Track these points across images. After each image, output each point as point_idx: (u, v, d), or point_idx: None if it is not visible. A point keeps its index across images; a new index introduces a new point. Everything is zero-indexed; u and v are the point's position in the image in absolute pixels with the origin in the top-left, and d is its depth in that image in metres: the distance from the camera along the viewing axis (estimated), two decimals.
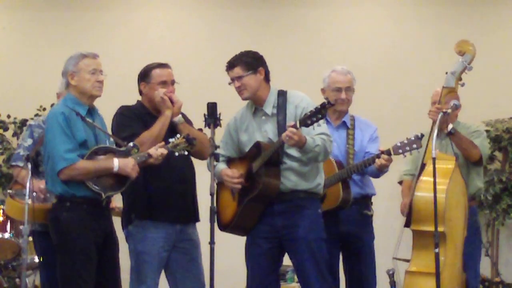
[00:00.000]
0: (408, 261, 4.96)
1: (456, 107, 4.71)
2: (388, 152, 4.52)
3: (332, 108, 4.80)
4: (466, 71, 4.78)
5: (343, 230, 4.75)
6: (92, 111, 4.32)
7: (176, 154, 4.28)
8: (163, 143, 4.30)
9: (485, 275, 6.89)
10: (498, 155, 7.21)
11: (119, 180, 4.23)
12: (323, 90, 4.89)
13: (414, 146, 4.44)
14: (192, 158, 4.61)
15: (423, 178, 4.54)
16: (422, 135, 4.54)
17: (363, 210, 4.83)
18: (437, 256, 4.25)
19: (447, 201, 4.47)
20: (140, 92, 4.66)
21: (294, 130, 4.05)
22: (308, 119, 4.01)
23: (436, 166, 4.33)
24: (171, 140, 4.30)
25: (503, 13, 7.54)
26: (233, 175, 4.42)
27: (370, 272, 4.86)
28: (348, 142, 4.80)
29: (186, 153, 4.32)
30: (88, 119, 4.24)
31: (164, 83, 4.56)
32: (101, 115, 4.42)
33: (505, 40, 7.42)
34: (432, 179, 4.34)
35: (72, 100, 4.25)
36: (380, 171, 4.68)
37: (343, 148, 4.80)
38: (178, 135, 4.33)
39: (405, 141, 4.49)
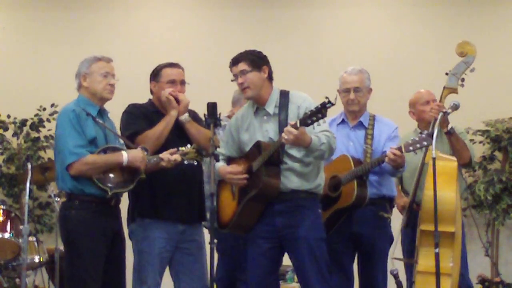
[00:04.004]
0: (408, 261, 4.98)
1: (456, 107, 4.72)
2: (399, 150, 4.43)
3: (346, 108, 4.83)
4: (469, 72, 4.79)
5: (355, 230, 4.68)
6: (102, 113, 4.36)
7: (185, 162, 4.33)
8: (175, 149, 4.34)
9: (485, 275, 6.90)
10: (498, 155, 7.22)
11: (127, 178, 4.25)
12: (338, 91, 4.84)
13: (425, 143, 4.34)
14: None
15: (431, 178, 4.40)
16: (432, 133, 4.47)
17: (379, 211, 4.72)
18: (437, 256, 4.26)
19: (457, 201, 4.49)
20: (151, 91, 4.69)
21: (290, 128, 4.03)
22: (309, 119, 3.99)
23: (439, 165, 4.33)
24: (181, 148, 4.33)
25: (503, 13, 7.54)
26: (236, 170, 4.41)
27: (381, 276, 4.77)
28: (366, 142, 4.74)
29: (195, 163, 4.36)
30: (99, 120, 4.27)
31: (172, 82, 4.58)
32: (111, 120, 4.46)
33: (505, 40, 7.43)
34: (442, 179, 4.34)
35: (84, 101, 4.31)
36: (395, 168, 4.55)
37: (360, 148, 4.75)
38: (189, 145, 4.36)
39: (416, 139, 4.38)
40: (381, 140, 4.76)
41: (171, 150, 4.33)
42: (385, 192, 4.79)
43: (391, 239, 4.84)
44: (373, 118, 4.86)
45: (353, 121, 4.86)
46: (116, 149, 4.27)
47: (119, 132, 4.48)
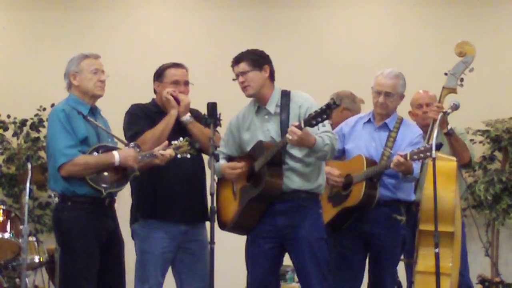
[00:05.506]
0: (408, 261, 4.99)
1: (456, 107, 4.71)
2: (404, 157, 4.40)
3: (374, 109, 4.81)
4: (468, 72, 4.80)
5: (367, 230, 4.64)
6: (94, 111, 4.34)
7: (178, 156, 4.30)
8: (166, 142, 4.31)
9: (485, 275, 6.89)
10: (498, 155, 7.22)
11: (121, 176, 4.23)
12: (372, 88, 4.82)
13: (428, 154, 4.30)
14: (204, 156, 4.63)
15: (432, 178, 4.39)
16: (441, 145, 4.41)
17: (393, 213, 4.64)
18: (437, 256, 4.26)
19: (456, 201, 4.49)
20: (155, 91, 4.68)
21: (294, 128, 4.03)
22: (313, 119, 3.99)
23: (438, 165, 4.33)
24: (174, 142, 4.31)
25: (503, 13, 7.54)
26: (234, 166, 4.40)
27: (389, 277, 4.73)
28: (387, 144, 4.70)
29: (188, 156, 4.33)
30: (90, 118, 4.25)
31: (176, 83, 4.59)
32: (104, 118, 4.44)
33: (505, 40, 7.42)
34: (441, 179, 4.34)
35: (75, 100, 4.28)
36: (403, 174, 4.51)
37: (381, 149, 4.71)
38: (181, 138, 4.34)
39: (422, 148, 4.36)
40: (403, 144, 4.70)
41: (163, 144, 4.30)
42: (400, 196, 4.70)
43: (403, 242, 4.75)
44: (400, 121, 4.79)
45: (379, 122, 4.81)
46: (108, 148, 4.24)
47: (111, 131, 4.43)
